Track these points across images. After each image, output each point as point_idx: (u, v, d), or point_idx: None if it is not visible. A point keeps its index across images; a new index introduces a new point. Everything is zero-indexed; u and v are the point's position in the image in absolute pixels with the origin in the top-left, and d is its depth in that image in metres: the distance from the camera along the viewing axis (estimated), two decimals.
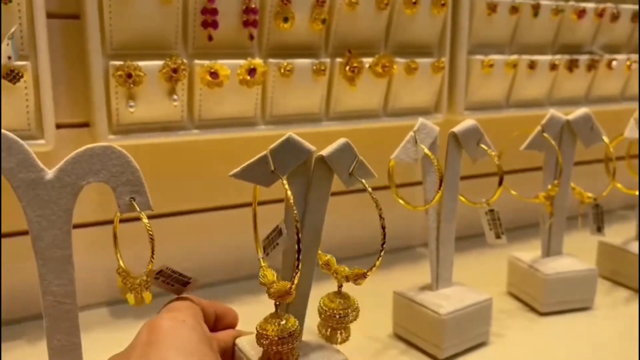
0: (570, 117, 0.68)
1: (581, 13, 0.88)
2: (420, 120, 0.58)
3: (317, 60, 0.70)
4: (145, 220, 0.42)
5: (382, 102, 0.77)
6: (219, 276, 0.79)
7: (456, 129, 0.60)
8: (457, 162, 0.61)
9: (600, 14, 0.90)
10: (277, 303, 0.44)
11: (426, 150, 0.57)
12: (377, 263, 0.46)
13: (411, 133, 0.57)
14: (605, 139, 0.69)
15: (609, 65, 0.94)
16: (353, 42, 0.73)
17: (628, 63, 0.96)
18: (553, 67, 0.88)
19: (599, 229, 0.70)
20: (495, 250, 0.92)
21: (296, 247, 0.42)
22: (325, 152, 0.46)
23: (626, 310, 0.71)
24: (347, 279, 0.49)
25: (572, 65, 0.90)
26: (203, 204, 0.76)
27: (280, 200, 0.47)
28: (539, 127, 0.66)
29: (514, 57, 0.84)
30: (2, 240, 0.65)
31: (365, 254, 0.85)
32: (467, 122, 0.60)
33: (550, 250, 0.72)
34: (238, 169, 0.42)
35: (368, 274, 0.47)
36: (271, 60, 0.67)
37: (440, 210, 0.61)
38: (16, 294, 0.67)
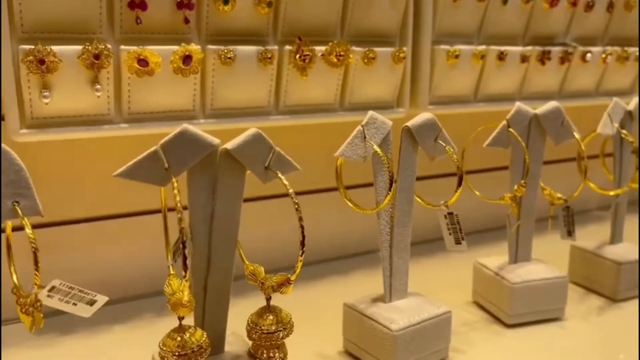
0: (539, 111, 0.63)
1: (553, 2, 0.82)
2: (370, 113, 0.52)
3: (263, 47, 0.63)
4: (28, 230, 0.36)
5: (339, 94, 0.71)
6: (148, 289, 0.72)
7: (410, 123, 0.54)
8: (411, 160, 0.55)
9: (573, 3, 0.84)
10: (180, 316, 0.38)
11: (375, 147, 0.51)
12: (298, 269, 0.41)
13: (359, 127, 0.51)
14: (577, 135, 0.63)
15: (583, 58, 0.88)
16: (305, 28, 0.67)
17: (603, 56, 0.90)
18: (524, 59, 0.82)
19: (570, 233, 0.64)
20: (463, 254, 0.87)
21: (183, 252, 0.36)
22: (231, 144, 0.40)
23: (599, 320, 0.65)
24: (274, 289, 0.43)
25: (544, 57, 0.84)
26: (133, 208, 0.69)
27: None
28: (504, 122, 0.60)
29: (482, 47, 0.79)
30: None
31: (316, 260, 0.79)
32: (423, 115, 0.54)
33: (518, 256, 0.66)
34: (124, 167, 0.36)
35: (292, 279, 0.41)
36: (210, 46, 0.61)
37: (393, 214, 0.55)
38: None
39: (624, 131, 0.67)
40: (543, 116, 0.62)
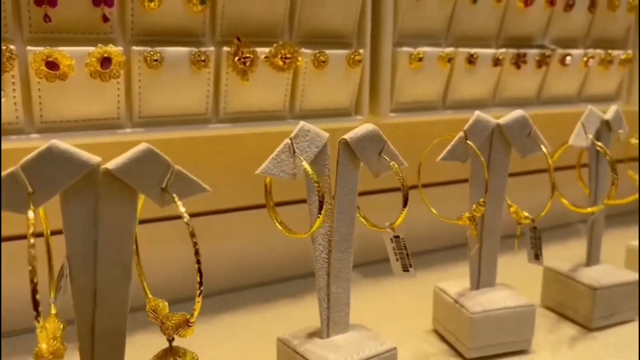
0: (503, 120, 0.56)
1: (528, 0, 0.76)
2: (301, 124, 0.46)
3: (197, 49, 0.57)
4: None
5: (288, 100, 0.64)
6: None
7: (349, 135, 0.47)
8: (351, 178, 0.48)
9: (551, 2, 0.78)
10: None
11: (304, 164, 0.44)
12: (197, 310, 0.34)
13: (287, 141, 0.45)
14: (545, 148, 0.57)
15: (562, 61, 0.82)
16: (247, 27, 0.60)
17: (585, 59, 0.84)
18: (497, 62, 0.76)
19: (537, 256, 0.58)
20: (432, 274, 0.81)
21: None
22: (113, 163, 0.33)
23: (570, 353, 0.59)
24: (174, 330, 0.37)
25: (519, 61, 0.78)
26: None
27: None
28: (460, 134, 0.54)
29: (449, 49, 0.72)
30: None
31: (244, 285, 0.74)
32: (364, 127, 0.48)
33: (481, 281, 0.59)
34: None
35: (191, 321, 0.35)
36: (135, 48, 0.55)
37: (331, 238, 0.48)
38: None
39: (599, 143, 0.61)
40: (507, 126, 0.56)
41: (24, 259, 0.65)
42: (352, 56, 0.65)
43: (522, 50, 0.78)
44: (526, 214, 0.58)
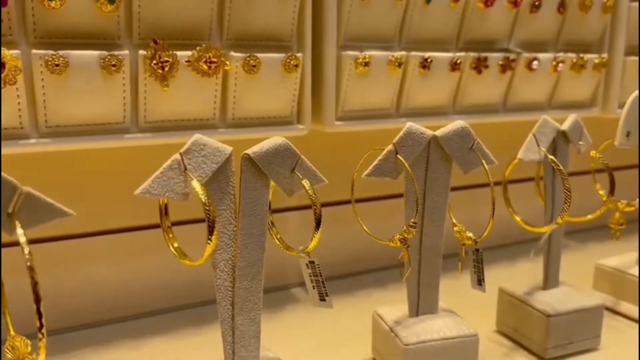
0: (440, 132, 0.51)
1: (488, 1, 0.70)
2: (195, 137, 0.41)
3: (108, 52, 0.52)
4: None
5: (218, 109, 0.60)
6: None
7: (253, 150, 0.42)
8: (260, 196, 0.43)
9: (514, 3, 0.73)
10: None
11: (194, 183, 0.39)
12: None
13: (176, 156, 0.40)
14: (485, 164, 0.51)
15: (528, 65, 0.76)
16: (171, 29, 0.56)
17: (554, 63, 0.78)
18: (454, 66, 0.71)
19: (480, 282, 0.53)
20: (389, 293, 0.76)
21: None
22: None
23: None
24: None
25: (479, 65, 0.72)
26: None
27: None
28: (390, 147, 0.49)
29: (400, 53, 0.67)
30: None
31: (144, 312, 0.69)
32: (272, 141, 0.43)
33: (420, 307, 0.54)
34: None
35: None
36: (35, 51, 0.50)
37: (235, 264, 0.43)
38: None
39: (551, 156, 0.55)
40: (445, 139, 0.51)
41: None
42: (288, 60, 0.60)
43: (483, 54, 0.73)
44: (470, 234, 0.53)
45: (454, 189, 0.54)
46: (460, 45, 0.73)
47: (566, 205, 0.54)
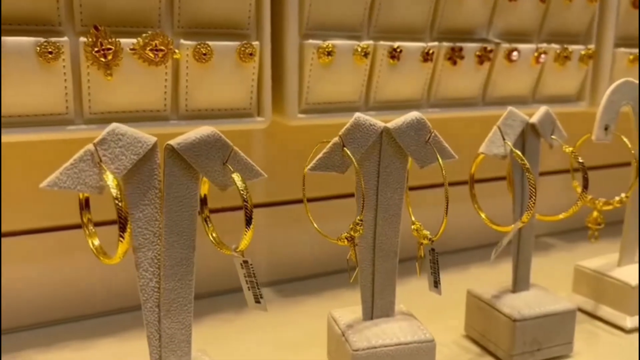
0: (392, 124, 0.48)
1: None
2: (112, 126, 0.38)
3: (45, 39, 0.49)
4: None
5: (169, 99, 0.57)
6: None
7: (177, 141, 0.39)
8: (188, 190, 0.40)
9: None
10: None
11: (107, 175, 0.36)
12: None
13: (89, 146, 0.37)
14: (440, 159, 0.48)
15: (507, 57, 0.73)
16: (116, 15, 0.53)
17: (536, 54, 0.75)
18: (426, 57, 0.67)
19: (436, 284, 0.49)
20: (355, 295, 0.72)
21: None
22: None
23: None
24: None
25: (454, 56, 0.69)
26: None
27: None
28: (336, 139, 0.46)
29: (367, 43, 0.64)
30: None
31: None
32: (200, 131, 0.40)
33: (375, 309, 0.51)
34: None
35: None
36: None
37: (162, 264, 0.40)
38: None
39: (516, 151, 0.52)
40: (399, 131, 0.47)
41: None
42: (243, 48, 0.57)
43: (458, 44, 0.69)
44: (426, 232, 0.49)
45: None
46: (435, 35, 0.70)
47: (531, 202, 0.50)
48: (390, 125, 0.47)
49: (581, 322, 0.64)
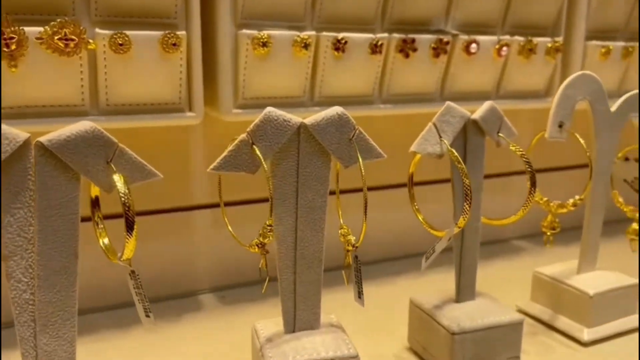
0: (310, 120, 0.43)
1: None
2: None
3: None
4: None
5: (87, 93, 0.53)
6: None
7: (47, 138, 0.35)
8: (62, 193, 0.36)
9: None
10: None
11: None
12: None
13: None
14: (361, 159, 0.44)
15: (466, 49, 0.68)
16: (27, 2, 0.49)
17: (497, 47, 0.70)
18: (375, 49, 0.63)
19: (359, 294, 0.45)
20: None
21: None
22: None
23: None
24: None
25: (405, 48, 0.65)
26: None
27: None
28: (243, 136, 0.42)
29: (308, 33, 0.60)
30: None
31: None
32: (77, 126, 0.36)
33: (298, 322, 0.47)
34: None
35: None
36: None
37: (36, 274, 0.36)
38: None
39: (451, 149, 0.47)
40: (317, 128, 0.43)
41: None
42: (166, 39, 0.53)
43: (410, 36, 0.65)
44: (352, 238, 0.45)
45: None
46: (386, 26, 0.65)
47: (466, 205, 0.46)
48: (308, 121, 0.43)
49: (537, 334, 0.60)
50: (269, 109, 0.42)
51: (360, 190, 0.45)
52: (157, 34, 0.53)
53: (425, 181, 0.77)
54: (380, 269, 0.77)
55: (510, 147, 0.51)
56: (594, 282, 0.59)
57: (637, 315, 0.61)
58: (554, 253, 0.82)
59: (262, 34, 0.57)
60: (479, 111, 0.51)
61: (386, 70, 0.66)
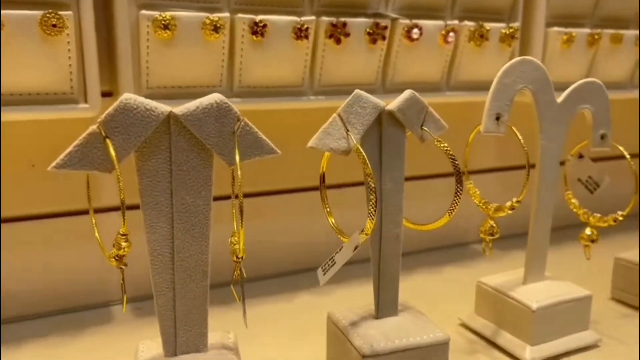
0: (180, 110, 0.37)
1: None
2: None
3: None
4: None
5: None
6: None
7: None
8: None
9: None
10: None
11: None
12: None
13: None
14: (238, 155, 0.37)
15: (407, 35, 0.62)
16: None
17: (443, 32, 0.64)
18: (299, 34, 0.56)
19: (244, 312, 0.39)
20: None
21: None
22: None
23: None
24: None
25: (336, 33, 0.58)
26: None
27: None
28: (93, 128, 0.35)
29: (220, 15, 0.53)
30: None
31: None
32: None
33: (179, 343, 0.41)
34: None
35: None
36: None
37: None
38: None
39: (359, 146, 0.41)
40: (190, 118, 0.37)
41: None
42: (45, 19, 0.47)
43: (341, 19, 0.58)
44: (237, 248, 0.39)
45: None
46: (316, 9, 0.59)
47: (370, 208, 0.40)
48: (178, 110, 0.37)
49: (476, 352, 0.53)
50: (126, 95, 0.36)
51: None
52: (35, 13, 0.47)
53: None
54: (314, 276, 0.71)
55: (435, 143, 0.45)
56: (539, 294, 0.53)
57: (589, 332, 0.54)
58: (518, 259, 0.76)
59: (164, 15, 0.51)
60: (395, 101, 0.44)
61: (316, 58, 0.60)
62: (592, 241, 0.56)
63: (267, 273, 0.71)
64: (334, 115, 0.42)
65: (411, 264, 0.74)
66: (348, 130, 0.42)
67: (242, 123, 0.38)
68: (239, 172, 0.36)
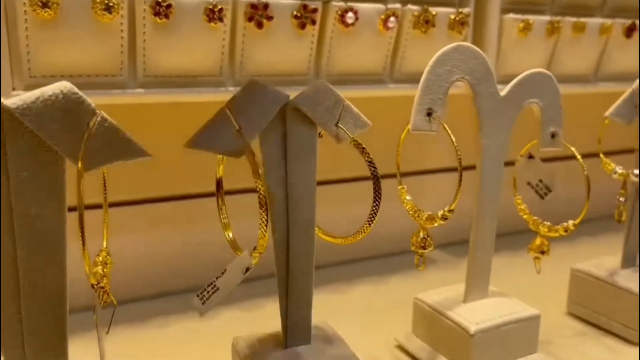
0: (13, 101, 0.30)
1: None
2: None
3: None
4: None
5: None
6: None
7: None
8: None
9: None
10: None
11: None
12: None
13: None
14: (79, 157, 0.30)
15: (341, 19, 0.55)
16: None
17: (382, 17, 0.57)
18: (212, 15, 0.49)
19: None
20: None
21: None
22: None
23: None
24: None
25: (256, 15, 0.51)
26: None
27: None
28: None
29: None
30: None
31: None
32: None
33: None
34: None
35: None
36: None
37: None
38: None
39: (250, 148, 0.34)
40: (26, 111, 0.30)
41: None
42: None
43: (261, 1, 0.51)
44: (99, 269, 0.32)
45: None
46: None
47: (262, 219, 0.33)
48: (11, 102, 0.30)
49: None
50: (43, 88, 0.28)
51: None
52: None
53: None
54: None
55: (351, 143, 0.38)
56: (480, 314, 0.46)
57: (538, 355, 0.48)
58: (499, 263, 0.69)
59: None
60: (300, 93, 0.37)
61: (236, 44, 0.53)
62: (542, 252, 0.49)
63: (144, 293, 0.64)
64: (223, 108, 0.35)
65: (349, 274, 0.68)
66: (240, 128, 0.35)
67: (99, 118, 0.31)
68: (105, 175, 0.29)
